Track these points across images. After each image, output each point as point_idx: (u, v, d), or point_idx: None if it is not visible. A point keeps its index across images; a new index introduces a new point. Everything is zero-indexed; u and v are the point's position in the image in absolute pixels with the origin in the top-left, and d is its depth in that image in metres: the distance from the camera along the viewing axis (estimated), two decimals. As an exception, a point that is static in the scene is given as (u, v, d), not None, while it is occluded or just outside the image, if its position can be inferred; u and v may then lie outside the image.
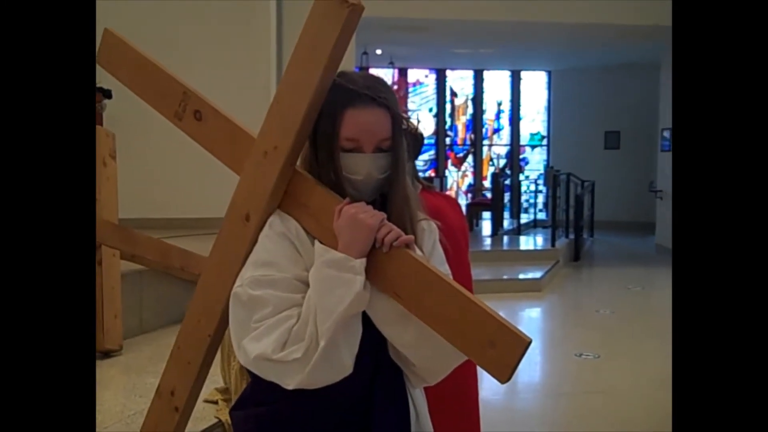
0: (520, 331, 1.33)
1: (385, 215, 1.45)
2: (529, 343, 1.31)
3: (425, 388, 1.66)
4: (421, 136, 2.37)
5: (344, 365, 1.40)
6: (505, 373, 1.32)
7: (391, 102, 1.50)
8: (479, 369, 1.58)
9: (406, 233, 1.45)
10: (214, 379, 2.92)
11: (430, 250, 1.57)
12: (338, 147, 1.49)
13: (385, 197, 1.54)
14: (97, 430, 2.58)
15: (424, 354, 1.47)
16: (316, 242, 1.47)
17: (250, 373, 1.49)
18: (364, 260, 1.40)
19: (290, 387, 1.39)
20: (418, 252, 1.48)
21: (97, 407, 2.80)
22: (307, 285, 1.43)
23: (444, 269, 1.54)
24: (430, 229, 1.60)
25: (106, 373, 3.33)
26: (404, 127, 1.55)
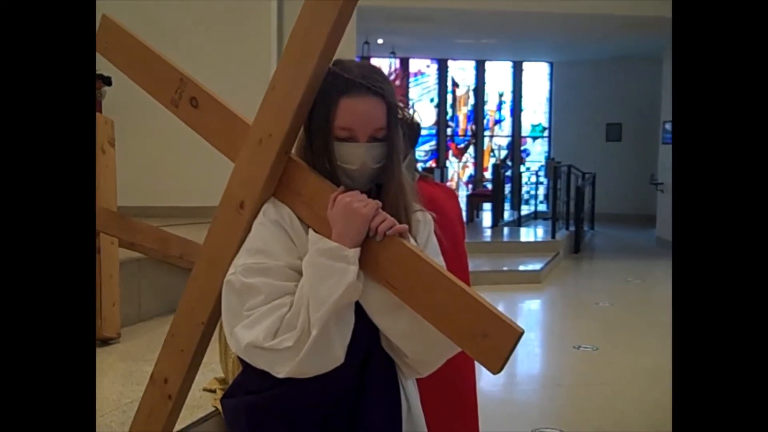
0: (513, 322, 1.32)
1: (380, 204, 1.44)
2: (521, 333, 1.31)
3: (419, 381, 1.66)
4: (417, 126, 2.32)
5: (335, 355, 1.39)
6: (497, 363, 1.32)
7: (386, 91, 1.49)
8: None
9: (401, 223, 1.45)
10: (213, 367, 2.92)
11: (425, 242, 1.57)
12: (332, 136, 1.48)
13: (380, 187, 1.53)
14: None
15: (416, 345, 1.47)
16: (310, 230, 1.47)
17: (241, 361, 1.49)
18: (357, 250, 1.40)
19: (281, 375, 1.39)
20: (412, 242, 1.47)
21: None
22: (300, 273, 1.43)
23: (438, 260, 1.53)
24: (425, 220, 1.59)
25: (103, 360, 3.33)
26: (400, 116, 1.54)
